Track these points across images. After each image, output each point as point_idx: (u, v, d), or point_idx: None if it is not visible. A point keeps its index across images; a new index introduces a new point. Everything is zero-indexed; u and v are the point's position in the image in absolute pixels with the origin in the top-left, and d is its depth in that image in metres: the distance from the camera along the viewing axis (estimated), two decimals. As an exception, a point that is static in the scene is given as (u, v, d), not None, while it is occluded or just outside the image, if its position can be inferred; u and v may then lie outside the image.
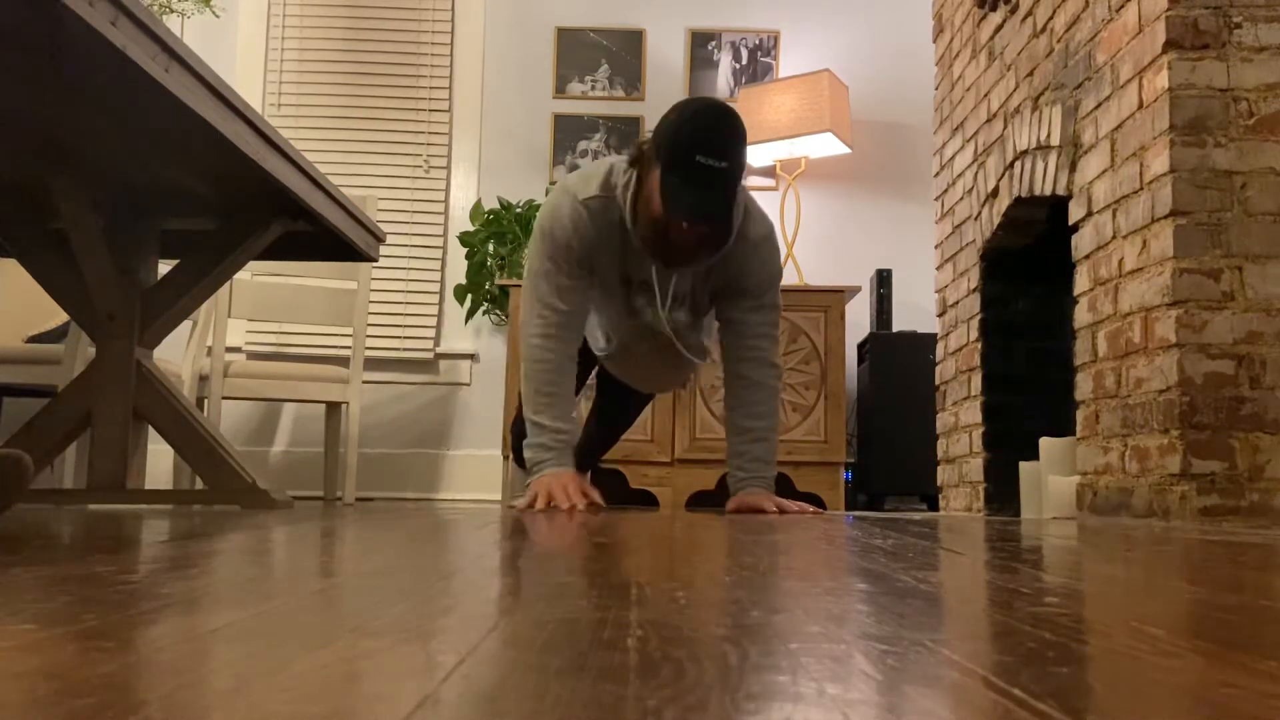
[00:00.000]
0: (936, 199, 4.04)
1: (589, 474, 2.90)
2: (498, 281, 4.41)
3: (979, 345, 3.47)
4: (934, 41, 4.16)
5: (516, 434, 2.77)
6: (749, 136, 4.51)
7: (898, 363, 4.33)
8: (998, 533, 1.69)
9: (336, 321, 3.97)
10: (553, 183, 4.84)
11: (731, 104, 4.81)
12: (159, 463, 3.95)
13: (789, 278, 4.51)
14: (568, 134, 4.92)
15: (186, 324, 3.76)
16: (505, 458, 3.93)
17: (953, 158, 3.84)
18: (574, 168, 4.89)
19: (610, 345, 2.59)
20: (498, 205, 4.57)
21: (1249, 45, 2.24)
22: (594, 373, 2.83)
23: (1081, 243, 2.69)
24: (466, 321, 4.66)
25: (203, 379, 3.75)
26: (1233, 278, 2.20)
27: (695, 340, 2.58)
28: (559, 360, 2.40)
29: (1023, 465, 3.16)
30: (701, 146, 2.21)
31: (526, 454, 2.39)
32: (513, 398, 3.78)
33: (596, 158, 4.90)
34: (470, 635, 0.50)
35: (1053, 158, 2.86)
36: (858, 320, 4.63)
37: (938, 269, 4.00)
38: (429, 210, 4.90)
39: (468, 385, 4.79)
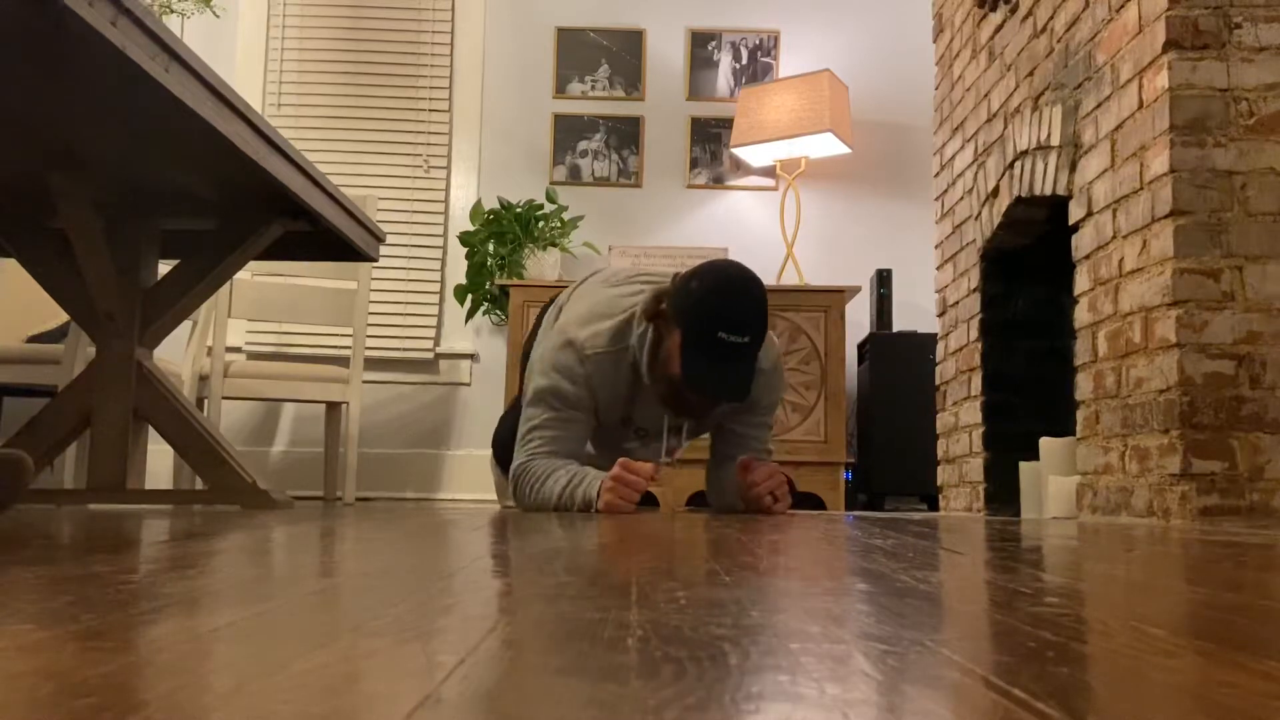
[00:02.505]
0: (936, 199, 4.04)
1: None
2: (498, 281, 4.41)
3: (979, 345, 3.47)
4: (934, 41, 4.16)
5: (499, 444, 2.78)
6: (749, 136, 4.54)
7: (898, 363, 4.33)
8: (998, 533, 1.69)
9: (336, 321, 3.97)
10: (552, 185, 4.84)
11: (731, 102, 4.83)
12: (159, 463, 3.95)
13: (789, 278, 4.52)
14: (568, 134, 4.92)
15: (186, 324, 3.76)
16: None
17: (953, 158, 3.84)
18: (574, 169, 4.89)
19: (596, 455, 2.61)
20: (498, 205, 4.57)
21: (1249, 45, 2.24)
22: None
23: (1081, 243, 2.69)
24: (466, 321, 4.66)
25: (203, 379, 3.74)
26: (1233, 278, 2.20)
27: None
28: (548, 461, 2.40)
29: (1023, 465, 3.16)
30: (724, 322, 2.22)
31: (566, 502, 2.33)
32: (512, 398, 3.77)
33: (597, 158, 4.90)
34: (470, 635, 0.50)
35: (1053, 158, 2.86)
36: (858, 320, 4.63)
37: (938, 269, 4.00)
38: (429, 210, 4.90)
39: (468, 385, 4.79)
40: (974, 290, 3.53)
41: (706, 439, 2.72)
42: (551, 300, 2.81)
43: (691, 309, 2.24)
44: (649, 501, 4.12)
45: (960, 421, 3.66)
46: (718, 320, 2.22)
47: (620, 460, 2.28)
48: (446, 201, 4.91)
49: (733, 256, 4.64)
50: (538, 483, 2.34)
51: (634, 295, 2.47)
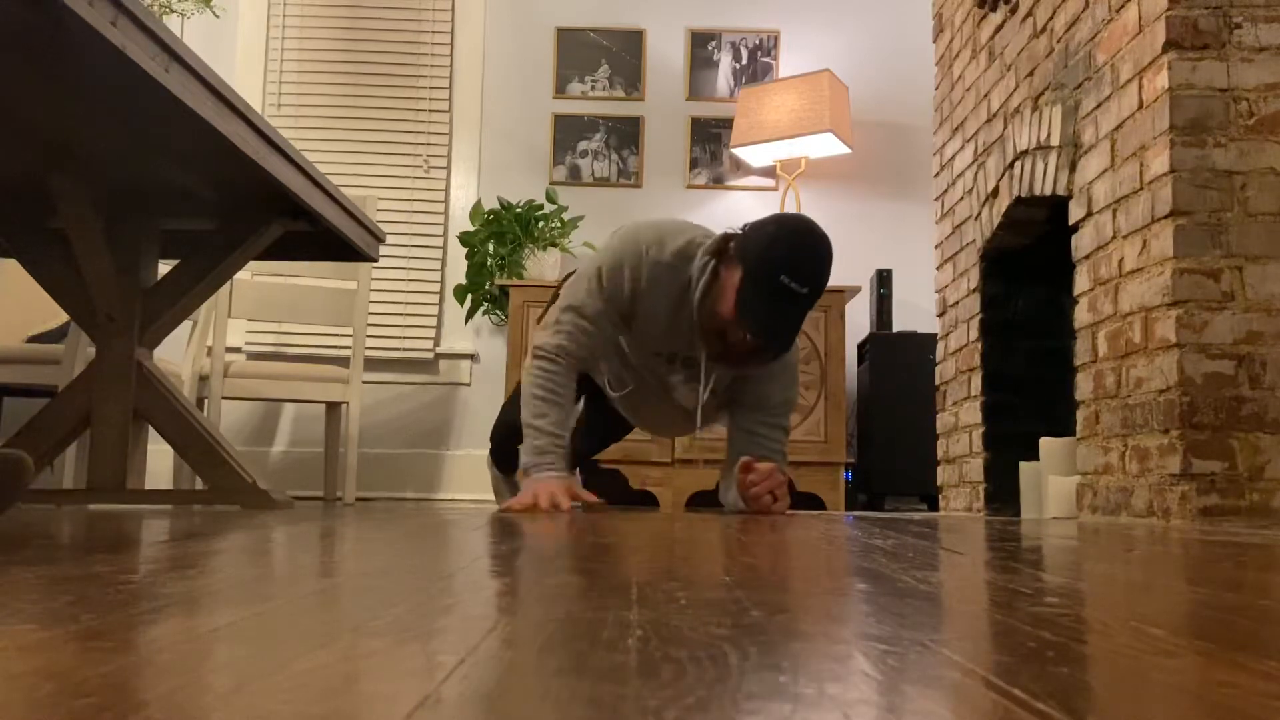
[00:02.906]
0: (936, 199, 4.04)
1: (579, 472, 2.88)
2: (498, 281, 4.41)
3: (979, 345, 3.47)
4: (934, 41, 4.16)
5: (497, 440, 2.78)
6: (749, 136, 4.54)
7: (898, 363, 4.33)
8: (998, 533, 1.69)
9: (336, 321, 3.97)
10: (552, 185, 4.84)
11: (731, 102, 4.83)
12: (159, 463, 3.95)
13: (789, 278, 4.51)
14: (568, 134, 4.92)
15: (186, 324, 3.76)
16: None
17: (953, 158, 3.84)
18: (574, 169, 4.89)
19: (624, 391, 2.59)
20: (498, 205, 4.57)
21: (1249, 45, 2.24)
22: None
23: (1081, 243, 2.69)
24: (466, 321, 4.66)
25: (203, 379, 3.74)
26: (1233, 278, 2.20)
27: (709, 419, 2.61)
28: (566, 374, 2.42)
29: (1023, 465, 3.16)
30: (789, 268, 2.23)
31: (522, 457, 2.38)
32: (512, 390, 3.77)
33: (597, 158, 4.90)
34: (470, 635, 0.50)
35: (1053, 158, 2.86)
36: (858, 320, 4.63)
37: (938, 269, 4.00)
38: (429, 210, 4.90)
39: (468, 385, 4.79)
40: (974, 290, 3.53)
41: (719, 446, 2.70)
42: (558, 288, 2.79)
43: (762, 247, 2.26)
44: (649, 501, 4.12)
45: (960, 421, 3.66)
46: (785, 263, 2.24)
47: (569, 487, 2.31)
48: (446, 201, 4.91)
49: (733, 256, 4.64)
50: (537, 393, 2.39)
51: (703, 230, 2.48)
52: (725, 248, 2.33)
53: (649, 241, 2.40)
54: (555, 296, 2.68)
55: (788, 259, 2.25)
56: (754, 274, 2.25)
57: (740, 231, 2.36)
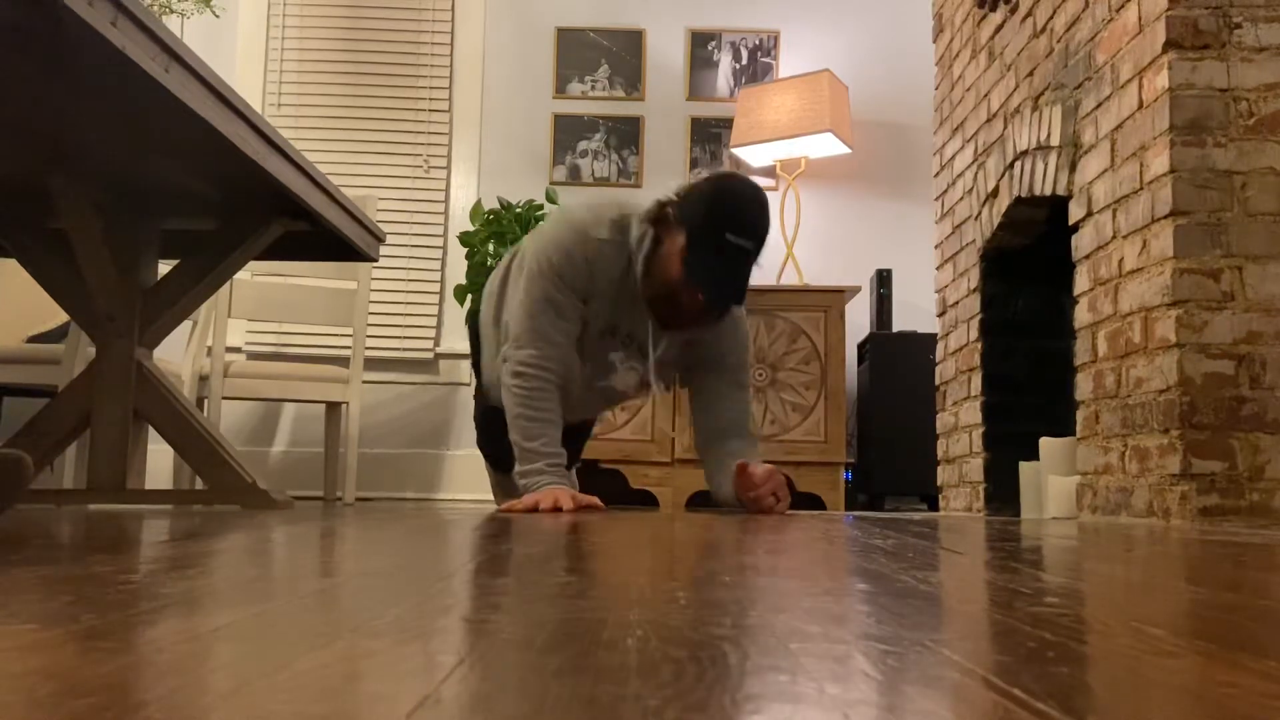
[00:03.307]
0: (936, 199, 4.04)
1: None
2: (498, 281, 4.41)
3: (979, 345, 3.47)
4: (934, 41, 4.16)
5: (480, 427, 2.76)
6: (749, 136, 4.54)
7: (898, 363, 4.33)
8: (998, 533, 1.69)
9: (336, 321, 3.97)
10: (552, 185, 4.84)
11: (731, 102, 4.83)
12: (159, 463, 3.95)
13: (789, 278, 4.51)
14: (568, 134, 4.92)
15: (186, 324, 3.76)
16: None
17: (953, 158, 3.84)
18: (574, 169, 4.89)
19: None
20: (498, 205, 4.57)
21: (1249, 45, 2.24)
22: None
23: (1081, 243, 2.69)
24: (466, 322, 4.66)
25: (203, 379, 3.74)
26: (1233, 278, 2.20)
27: (650, 388, 2.60)
28: (552, 389, 2.37)
29: (1023, 465, 3.16)
30: (733, 225, 2.24)
31: (520, 481, 2.34)
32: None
33: (597, 158, 4.90)
34: (470, 635, 0.50)
35: (1053, 158, 2.86)
36: (858, 320, 4.63)
37: (938, 269, 4.00)
38: (429, 210, 4.90)
39: (468, 385, 4.79)
40: (974, 290, 3.54)
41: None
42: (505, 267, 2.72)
43: (703, 208, 2.26)
44: (649, 502, 4.12)
45: (960, 421, 3.66)
46: (728, 221, 2.24)
47: (574, 494, 2.28)
48: (446, 201, 4.91)
49: (733, 256, 4.64)
50: (523, 409, 2.33)
51: (634, 200, 2.46)
52: (663, 214, 2.32)
53: (587, 222, 2.37)
54: (497, 311, 2.60)
55: (730, 216, 2.25)
56: (698, 235, 2.24)
57: (675, 197, 2.34)
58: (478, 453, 3.04)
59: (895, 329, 4.48)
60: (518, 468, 2.35)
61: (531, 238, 2.47)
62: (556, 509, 2.21)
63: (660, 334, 2.43)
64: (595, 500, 2.36)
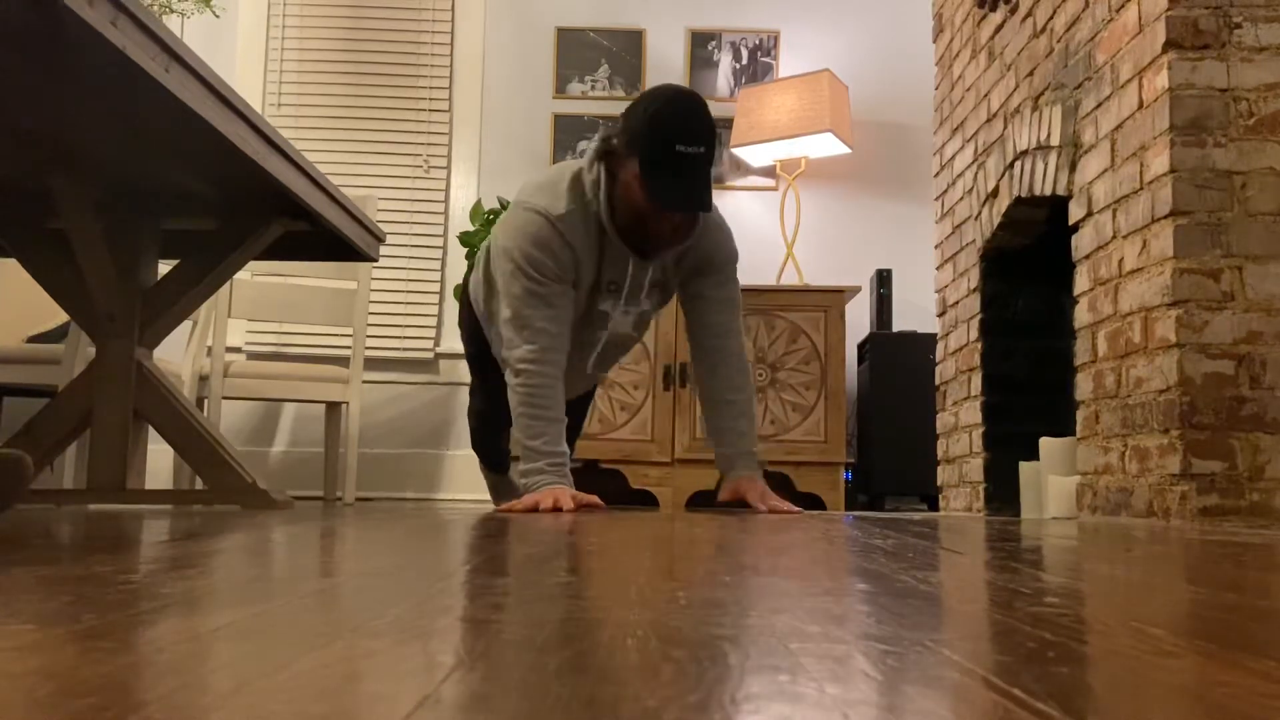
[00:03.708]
0: (936, 199, 4.04)
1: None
2: (498, 281, 4.41)
3: (979, 345, 3.47)
4: (934, 41, 4.16)
5: (473, 428, 2.76)
6: (749, 136, 4.54)
7: (898, 363, 4.33)
8: (998, 533, 1.69)
9: (336, 321, 3.97)
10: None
11: (731, 102, 4.83)
12: (159, 463, 3.95)
13: (789, 278, 4.51)
14: (568, 134, 4.92)
15: (186, 324, 3.76)
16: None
17: (953, 158, 3.84)
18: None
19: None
20: (498, 205, 4.57)
21: (1249, 45, 2.24)
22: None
23: (1081, 243, 2.69)
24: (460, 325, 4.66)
25: (203, 379, 3.74)
26: (1233, 278, 2.20)
27: (640, 332, 2.61)
28: (553, 383, 2.36)
29: (1023, 465, 3.16)
30: (680, 135, 2.23)
31: (522, 480, 2.34)
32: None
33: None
34: (470, 635, 0.50)
35: (1053, 158, 2.86)
36: (858, 320, 4.63)
37: (938, 269, 4.00)
38: (429, 210, 4.90)
39: (468, 385, 4.79)
40: (974, 290, 3.54)
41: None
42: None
43: (645, 128, 2.25)
44: (649, 501, 4.12)
45: (960, 421, 3.66)
46: (673, 133, 2.23)
47: (574, 494, 2.28)
48: (446, 201, 4.91)
49: (733, 256, 4.64)
50: (528, 409, 2.33)
51: (576, 157, 2.47)
52: (610, 148, 2.31)
53: (547, 202, 2.35)
54: (488, 308, 2.61)
55: (675, 128, 2.24)
56: (649, 157, 2.23)
57: (617, 123, 2.34)
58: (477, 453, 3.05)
59: (895, 329, 4.48)
60: (520, 465, 2.35)
61: (500, 231, 2.44)
62: (556, 509, 2.22)
63: (643, 266, 2.42)
64: (595, 499, 2.36)
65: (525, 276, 2.34)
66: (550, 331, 2.35)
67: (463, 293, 2.88)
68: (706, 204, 2.30)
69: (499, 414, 2.58)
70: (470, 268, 4.38)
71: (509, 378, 2.39)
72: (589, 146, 2.41)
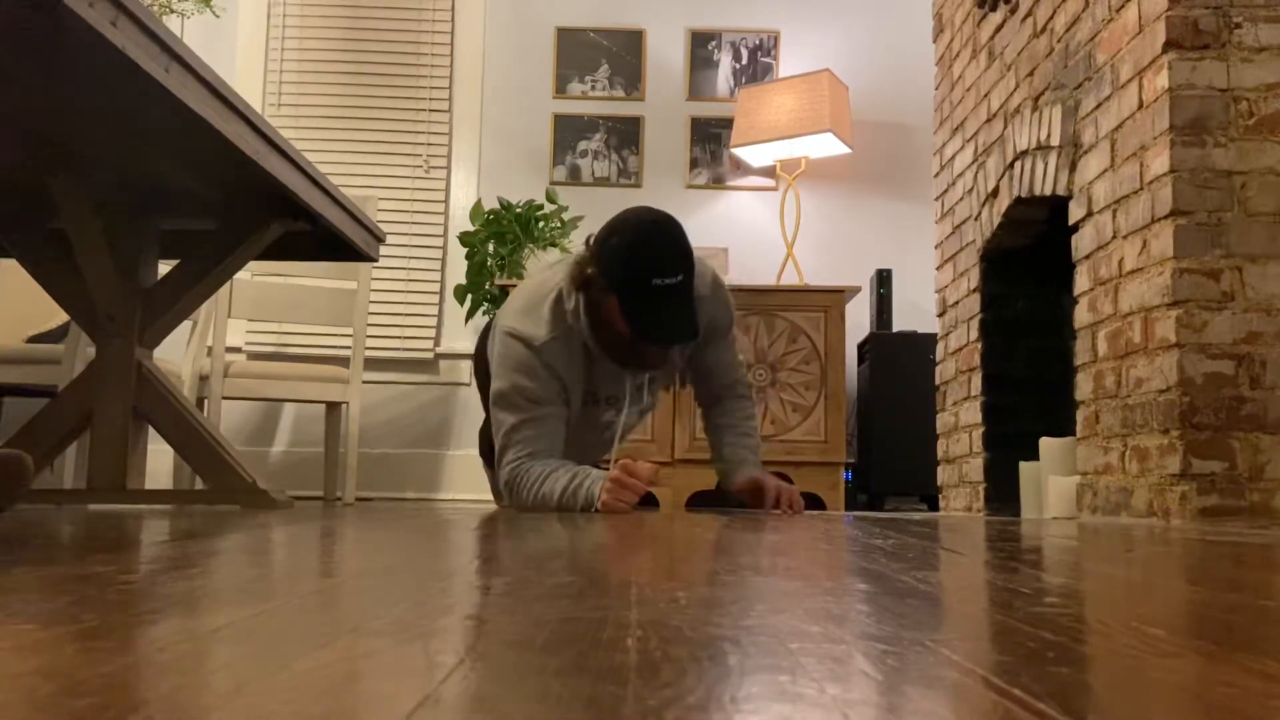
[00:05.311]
0: (936, 199, 4.04)
1: None
2: (498, 281, 4.41)
3: (979, 345, 3.47)
4: (934, 41, 4.16)
5: (485, 438, 2.78)
6: (749, 136, 4.54)
7: (898, 363, 4.33)
8: (998, 533, 1.69)
9: (336, 321, 3.97)
10: (552, 185, 4.84)
11: (731, 102, 4.83)
12: (159, 463, 3.95)
13: (789, 278, 4.51)
14: (568, 134, 4.92)
15: (186, 324, 3.76)
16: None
17: (953, 158, 3.84)
18: (574, 169, 4.89)
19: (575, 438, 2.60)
20: (498, 205, 4.57)
21: (1249, 45, 2.24)
22: None
23: (1081, 243, 2.69)
24: (466, 321, 4.66)
25: (203, 379, 3.74)
26: (1233, 278, 2.20)
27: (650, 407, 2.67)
28: (542, 463, 2.37)
29: (1023, 465, 3.16)
30: (653, 269, 2.23)
31: (567, 502, 2.30)
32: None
33: (597, 158, 4.90)
34: (470, 635, 0.50)
35: (1053, 158, 2.86)
36: (858, 320, 4.63)
37: (938, 269, 4.00)
38: (429, 210, 4.90)
39: (468, 385, 4.79)
40: (974, 290, 3.53)
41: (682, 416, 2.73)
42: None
43: (619, 267, 2.25)
44: (649, 502, 4.12)
45: (960, 421, 3.66)
46: (648, 269, 2.23)
47: (621, 462, 2.27)
48: (446, 201, 4.91)
49: (733, 256, 4.64)
50: (536, 484, 2.33)
51: (557, 273, 2.46)
52: (586, 277, 2.31)
53: (525, 330, 2.37)
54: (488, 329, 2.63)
55: (648, 262, 2.24)
56: (626, 294, 2.24)
57: (588, 249, 2.33)
58: (477, 453, 3.04)
59: (895, 329, 4.48)
60: (569, 506, 2.31)
61: (494, 347, 2.47)
62: (619, 500, 2.22)
63: (638, 379, 2.48)
64: (641, 469, 2.28)
65: (512, 406, 2.38)
66: (538, 449, 2.38)
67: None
68: (692, 331, 2.30)
69: None
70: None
71: (505, 491, 2.42)
72: (564, 266, 2.40)
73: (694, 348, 2.55)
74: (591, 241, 2.34)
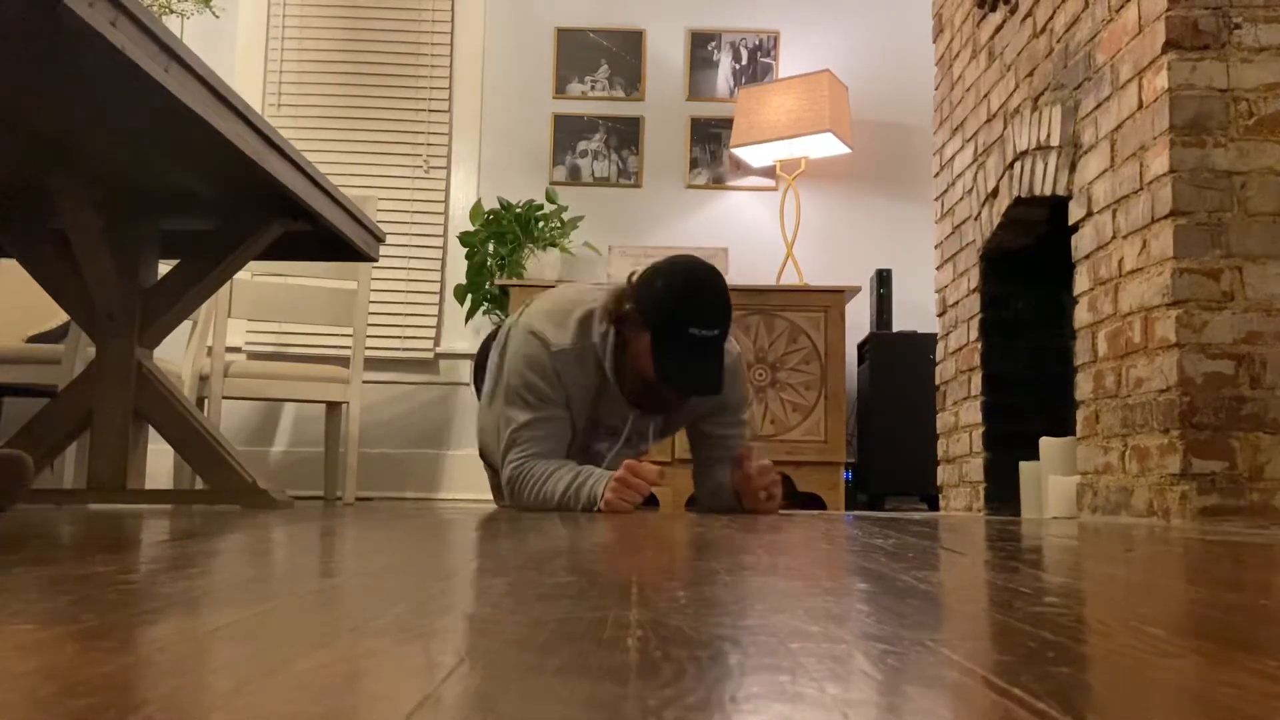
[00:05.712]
0: (936, 199, 4.04)
1: None
2: (498, 281, 4.41)
3: (979, 345, 3.47)
4: (934, 41, 4.16)
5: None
6: (749, 136, 4.54)
7: (898, 363, 4.33)
8: (998, 533, 1.69)
9: (336, 321, 3.97)
10: (552, 185, 4.84)
11: (731, 103, 4.83)
12: (159, 463, 3.95)
13: (789, 278, 4.51)
14: (568, 134, 4.92)
15: (186, 324, 3.76)
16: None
17: (953, 158, 3.84)
18: (573, 169, 4.89)
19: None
20: (498, 205, 4.57)
21: (1249, 45, 2.24)
22: None
23: (1081, 243, 2.69)
24: (466, 321, 4.66)
25: (203, 379, 3.74)
26: (1233, 278, 2.20)
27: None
28: (545, 460, 2.39)
29: (1023, 465, 3.16)
30: (694, 318, 2.24)
31: (569, 500, 2.31)
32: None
33: (597, 158, 4.90)
34: (470, 635, 0.50)
35: (1053, 158, 2.86)
36: (858, 320, 4.63)
37: (938, 269, 4.00)
38: (429, 210, 4.90)
39: (468, 385, 4.79)
40: (974, 290, 3.54)
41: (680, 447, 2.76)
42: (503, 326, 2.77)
43: (661, 308, 2.26)
44: (649, 502, 4.12)
45: (960, 421, 3.66)
46: (689, 317, 2.24)
47: (626, 462, 2.28)
48: (446, 201, 4.91)
49: (733, 256, 4.64)
50: (538, 483, 2.34)
51: (594, 292, 2.47)
52: (623, 312, 2.32)
53: (547, 334, 2.38)
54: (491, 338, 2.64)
55: (690, 309, 2.25)
56: (662, 335, 2.25)
57: (630, 285, 2.33)
58: (476, 453, 3.04)
59: (895, 329, 4.48)
60: (571, 505, 2.32)
61: (511, 341, 2.49)
62: (623, 499, 2.22)
63: (644, 420, 2.48)
64: (645, 470, 2.28)
65: (522, 402, 2.40)
66: (543, 450, 2.39)
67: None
68: (716, 385, 2.30)
69: None
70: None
71: (506, 492, 2.44)
72: (604, 294, 2.41)
73: (698, 416, 2.55)
74: (634, 279, 2.35)
